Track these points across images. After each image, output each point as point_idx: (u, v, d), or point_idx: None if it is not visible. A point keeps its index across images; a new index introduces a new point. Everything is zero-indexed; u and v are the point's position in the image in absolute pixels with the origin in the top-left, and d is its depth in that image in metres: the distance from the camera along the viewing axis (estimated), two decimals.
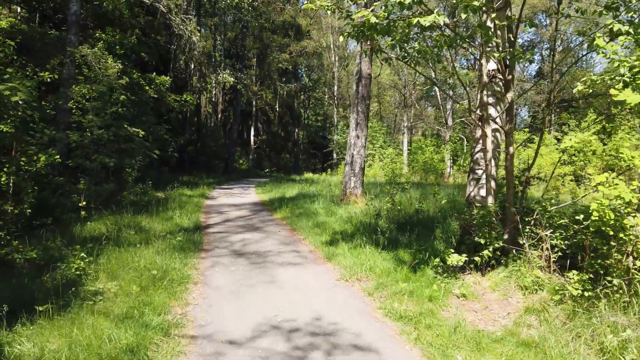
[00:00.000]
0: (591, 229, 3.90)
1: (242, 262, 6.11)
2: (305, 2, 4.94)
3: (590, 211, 3.77)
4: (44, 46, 11.74)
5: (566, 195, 11.75)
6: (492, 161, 5.40)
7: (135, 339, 3.42)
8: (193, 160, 24.37)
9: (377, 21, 4.06)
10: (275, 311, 4.32)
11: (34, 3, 13.05)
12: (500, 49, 4.84)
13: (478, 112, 5.48)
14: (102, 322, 3.68)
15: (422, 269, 5.32)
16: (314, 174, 26.21)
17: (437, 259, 5.29)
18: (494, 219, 5.17)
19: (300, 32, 31.63)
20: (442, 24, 3.74)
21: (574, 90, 3.99)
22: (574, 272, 4.03)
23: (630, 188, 3.60)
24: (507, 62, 5.08)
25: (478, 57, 5.33)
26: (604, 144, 15.22)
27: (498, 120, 5.49)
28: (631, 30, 3.66)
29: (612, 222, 3.69)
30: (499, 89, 5.48)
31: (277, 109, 34.86)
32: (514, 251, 5.09)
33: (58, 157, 5.91)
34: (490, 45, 5.13)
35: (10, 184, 5.77)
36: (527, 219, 5.20)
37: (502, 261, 5.15)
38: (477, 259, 5.04)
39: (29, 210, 6.15)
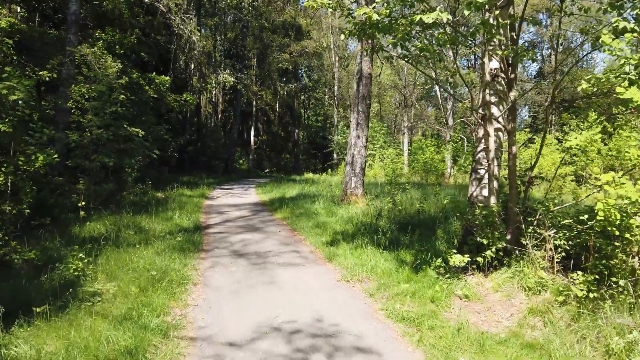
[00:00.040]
0: (597, 229, 3.84)
1: (242, 263, 6.06)
2: (306, 0, 4.89)
3: (595, 211, 3.71)
4: (43, 46, 11.70)
5: (567, 195, 11.69)
6: (495, 161, 5.35)
7: (134, 340, 3.37)
8: (193, 161, 24.33)
9: (379, 18, 4.01)
10: (276, 312, 4.26)
11: (34, 3, 13.01)
12: (503, 47, 4.79)
13: (480, 111, 5.43)
14: (100, 324, 3.63)
15: (424, 269, 5.27)
16: (314, 174, 26.16)
17: (439, 260, 5.24)
18: (496, 219, 5.12)
19: (300, 32, 31.61)
20: (444, 21, 3.68)
21: (579, 89, 3.94)
22: (579, 272, 3.98)
23: (636, 187, 3.55)
24: (510, 61, 5.04)
25: (480, 56, 5.28)
26: (605, 144, 15.18)
27: (500, 119, 5.45)
28: (636, 28, 3.61)
29: (617, 222, 3.63)
30: (501, 87, 5.43)
31: (277, 109, 34.82)
32: (516, 252, 5.04)
33: (56, 156, 5.86)
34: (492, 43, 5.08)
35: (8, 184, 5.73)
36: (529, 219, 5.14)
37: (505, 262, 5.10)
38: (479, 259, 5.00)
39: (28, 211, 6.10)
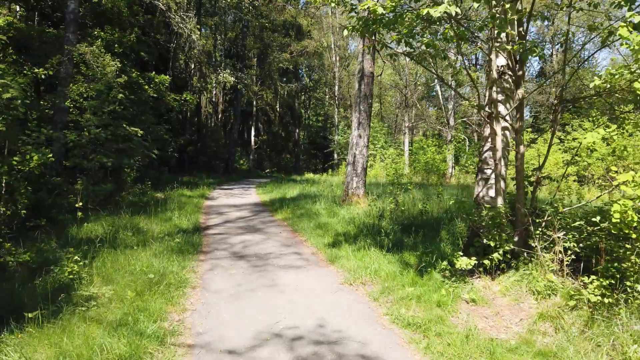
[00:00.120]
0: (612, 231, 3.69)
1: (242, 265, 5.91)
2: None
3: (612, 212, 3.56)
4: (42, 45, 11.57)
5: (572, 196, 11.53)
6: (502, 160, 5.20)
7: (129, 348, 3.23)
8: (193, 161, 24.20)
9: (384, 12, 3.86)
10: (277, 317, 4.12)
11: (32, 1, 12.88)
12: (512, 43, 4.64)
13: (487, 109, 5.28)
14: (94, 330, 3.49)
15: (429, 272, 5.12)
16: (314, 175, 26.02)
17: (445, 262, 5.09)
18: (504, 220, 4.97)
19: (301, 32, 31.46)
20: (453, 14, 3.53)
21: (591, 85, 3.79)
22: (593, 277, 3.82)
23: None
24: (518, 57, 4.89)
25: (487, 53, 5.13)
26: (607, 144, 15.05)
27: (507, 117, 5.30)
28: None
29: (635, 224, 3.48)
30: (508, 85, 5.29)
31: (278, 109, 34.67)
32: (524, 254, 4.89)
33: (51, 156, 5.72)
34: (499, 40, 4.94)
35: (3, 184, 5.59)
36: (538, 221, 5.00)
37: (513, 264, 4.95)
38: (486, 262, 4.84)
39: (24, 212, 5.97)
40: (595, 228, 4.42)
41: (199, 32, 15.80)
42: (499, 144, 5.08)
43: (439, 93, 27.43)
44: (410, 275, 5.11)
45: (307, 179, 20.71)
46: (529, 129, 25.46)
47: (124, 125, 9.82)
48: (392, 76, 30.43)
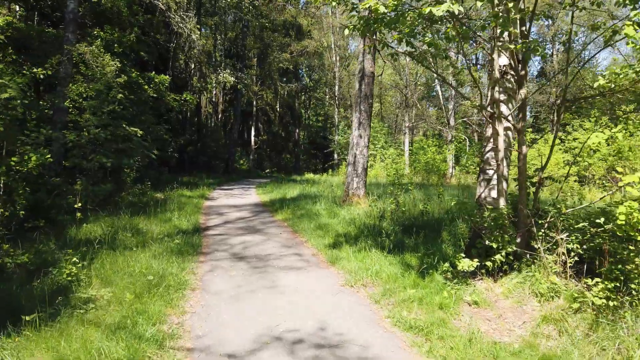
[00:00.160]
0: (617, 232, 3.64)
1: (242, 266, 5.87)
2: None
3: (617, 214, 3.52)
4: (41, 45, 11.53)
5: (573, 196, 11.47)
6: (504, 161, 5.16)
7: (127, 352, 3.18)
8: (193, 161, 24.16)
9: (385, 11, 3.81)
10: (277, 320, 4.07)
11: (32, 1, 12.84)
12: (514, 42, 4.60)
13: (489, 109, 5.23)
14: (92, 333, 3.44)
15: (431, 274, 5.08)
16: (314, 175, 25.97)
17: (447, 264, 5.04)
18: (506, 221, 4.92)
19: (301, 32, 31.41)
20: (456, 13, 3.49)
21: (595, 85, 3.74)
22: (597, 279, 3.78)
23: None
24: (521, 57, 4.84)
25: (489, 53, 5.08)
26: (607, 145, 15.00)
27: (510, 118, 5.25)
28: None
29: None
30: (510, 85, 5.24)
31: (278, 109, 34.63)
32: (527, 256, 4.85)
33: (49, 156, 5.67)
34: (502, 39, 4.89)
35: (1, 185, 5.55)
36: (540, 222, 4.95)
37: (515, 266, 4.90)
38: (488, 263, 4.80)
39: (22, 212, 5.92)
40: (599, 229, 4.37)
41: (198, 32, 15.75)
42: (502, 145, 5.04)
43: (439, 93, 27.40)
44: (411, 277, 5.06)
45: (307, 179, 20.66)
46: (530, 129, 25.40)
47: (124, 125, 9.77)
48: (392, 76, 30.39)
